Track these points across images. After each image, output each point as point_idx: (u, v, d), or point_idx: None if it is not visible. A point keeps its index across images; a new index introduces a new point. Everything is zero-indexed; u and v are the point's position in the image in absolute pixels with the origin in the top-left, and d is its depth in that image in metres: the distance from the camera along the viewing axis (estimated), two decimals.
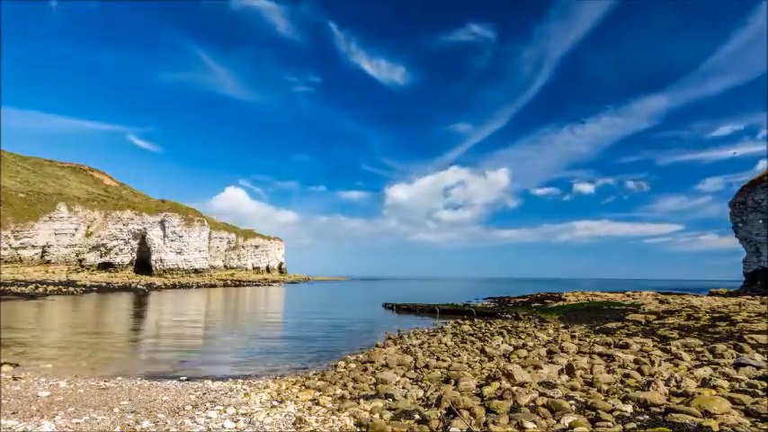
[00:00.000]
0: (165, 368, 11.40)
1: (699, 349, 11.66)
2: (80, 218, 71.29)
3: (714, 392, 6.87)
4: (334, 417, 6.75)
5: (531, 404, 6.69)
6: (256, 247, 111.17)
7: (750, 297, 33.88)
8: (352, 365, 11.52)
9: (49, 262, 65.01)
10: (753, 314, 19.55)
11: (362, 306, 39.50)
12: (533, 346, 13.55)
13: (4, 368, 10.22)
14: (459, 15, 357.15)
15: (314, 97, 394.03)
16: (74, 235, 69.40)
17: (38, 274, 60.77)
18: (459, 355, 12.54)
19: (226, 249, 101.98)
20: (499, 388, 7.61)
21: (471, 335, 17.37)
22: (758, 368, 8.53)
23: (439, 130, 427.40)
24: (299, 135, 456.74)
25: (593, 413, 6.17)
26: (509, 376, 8.07)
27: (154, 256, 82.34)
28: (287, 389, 8.87)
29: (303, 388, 8.94)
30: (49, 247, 65.10)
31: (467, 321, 23.20)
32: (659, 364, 9.77)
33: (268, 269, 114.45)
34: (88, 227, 73.30)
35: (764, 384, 7.28)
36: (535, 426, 5.77)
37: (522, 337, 16.41)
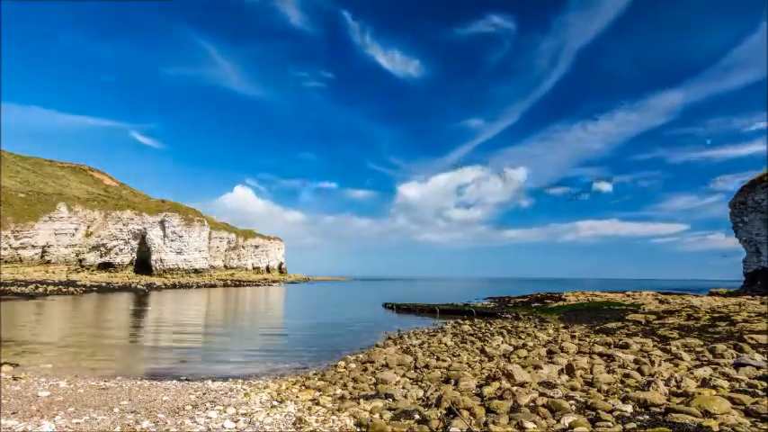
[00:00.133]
0: (165, 368, 11.41)
1: (699, 349, 11.66)
2: (80, 218, 71.30)
3: (714, 392, 6.86)
4: (334, 417, 6.75)
5: (531, 404, 6.69)
6: (256, 247, 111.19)
7: (750, 297, 33.88)
8: (353, 365, 11.52)
9: (49, 262, 65.01)
10: (753, 314, 19.54)
11: (363, 306, 39.49)
12: (533, 346, 13.55)
13: (4, 368, 10.22)
14: (481, 6, 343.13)
15: (324, 93, 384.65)
16: (74, 235, 69.41)
17: (38, 274, 60.76)
18: (459, 355, 12.54)
19: (226, 249, 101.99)
20: (499, 388, 7.61)
21: (471, 335, 17.37)
22: (758, 368, 8.53)
23: (450, 126, 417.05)
24: (306, 132, 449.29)
25: (593, 413, 6.17)
26: (509, 376, 8.07)
27: (154, 256, 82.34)
28: (287, 389, 8.87)
29: (303, 388, 8.94)
30: (49, 247, 65.11)
31: (467, 321, 23.20)
32: (659, 364, 9.77)
33: (268, 269, 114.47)
34: (88, 227, 73.30)
35: (764, 384, 7.28)
36: (535, 426, 5.77)
37: (522, 337, 16.41)
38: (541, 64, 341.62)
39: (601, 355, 11.22)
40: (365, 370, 10.82)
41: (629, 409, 6.35)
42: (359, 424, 6.35)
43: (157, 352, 14.16)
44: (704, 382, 7.59)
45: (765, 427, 5.35)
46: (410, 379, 9.59)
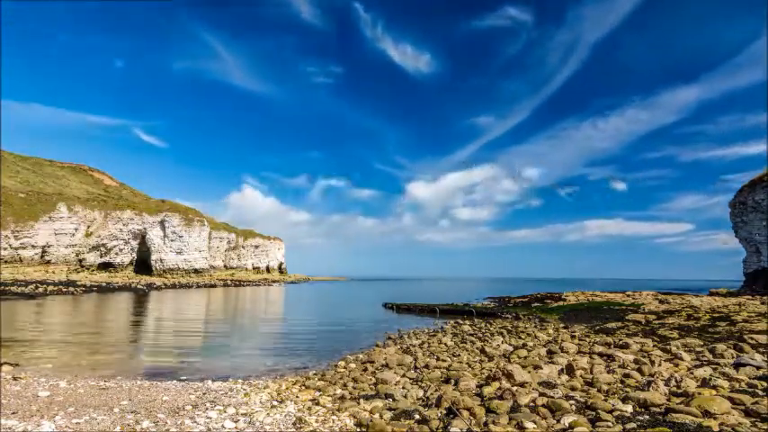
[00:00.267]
0: (165, 368, 11.40)
1: (699, 349, 11.65)
2: (80, 218, 71.30)
3: (714, 392, 6.87)
4: (334, 417, 6.75)
5: (531, 404, 6.69)
6: (256, 247, 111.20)
7: (750, 297, 33.87)
8: (353, 365, 11.52)
9: (49, 262, 65.02)
10: (753, 314, 19.54)
11: (363, 306, 39.48)
12: (533, 346, 13.55)
13: (4, 368, 10.22)
14: None
15: (332, 89, 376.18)
16: (74, 235, 69.41)
17: (38, 274, 60.77)
18: (459, 355, 12.53)
19: (226, 249, 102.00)
20: (499, 388, 7.61)
21: (471, 335, 17.36)
22: (758, 368, 8.53)
23: (459, 123, 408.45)
24: (312, 130, 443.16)
25: (593, 413, 6.17)
26: (509, 376, 8.07)
27: (154, 256, 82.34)
28: (287, 389, 8.87)
29: (303, 388, 8.94)
30: (49, 247, 65.11)
31: (467, 321, 23.20)
32: (659, 364, 9.76)
33: (268, 269, 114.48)
34: (88, 227, 73.30)
35: (764, 384, 7.28)
36: (535, 426, 5.77)
37: (522, 337, 16.41)
38: (554, 59, 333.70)
39: (601, 355, 11.22)
40: (365, 370, 10.82)
41: (629, 409, 6.35)
42: (359, 424, 6.35)
43: (157, 352, 14.16)
44: (704, 382, 7.59)
45: (765, 427, 5.35)
46: (410, 379, 9.59)
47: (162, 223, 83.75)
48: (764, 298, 31.39)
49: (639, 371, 9.11)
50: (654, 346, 12.54)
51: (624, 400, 6.79)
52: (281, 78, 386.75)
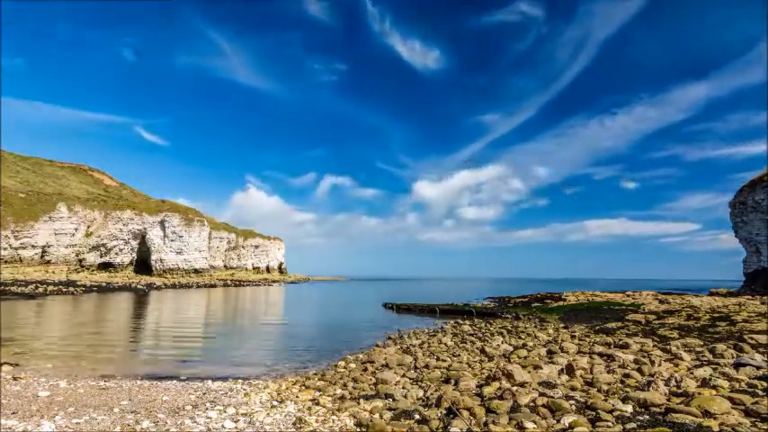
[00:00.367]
0: (165, 368, 11.39)
1: (699, 349, 11.65)
2: (80, 218, 71.30)
3: (714, 392, 6.86)
4: (334, 417, 6.75)
5: (531, 404, 6.69)
6: (256, 247, 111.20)
7: (750, 297, 33.87)
8: (353, 365, 11.52)
9: (49, 262, 65.01)
10: (753, 314, 19.54)
11: (363, 306, 39.49)
12: (533, 346, 13.55)
13: (4, 368, 10.22)
14: None
15: (337, 87, 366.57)
16: (74, 235, 69.41)
17: (38, 274, 60.76)
18: (459, 355, 12.53)
19: (226, 249, 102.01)
20: (499, 388, 7.61)
21: (471, 335, 17.36)
22: (758, 368, 8.53)
23: (464, 121, 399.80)
24: (316, 129, 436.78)
25: (593, 413, 6.17)
26: (509, 376, 8.07)
27: (154, 256, 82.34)
28: (287, 389, 8.87)
29: (303, 388, 8.94)
30: (48, 247, 65.10)
31: (467, 321, 23.20)
32: (659, 364, 9.76)
33: (268, 269, 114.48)
34: (88, 227, 73.30)
35: (764, 384, 7.28)
36: (535, 426, 5.77)
37: (522, 337, 16.41)
38: (563, 55, 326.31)
39: (601, 355, 11.22)
40: (365, 370, 10.82)
41: (629, 409, 6.35)
42: (359, 424, 6.34)
43: (157, 352, 14.15)
44: (704, 382, 7.59)
45: (765, 427, 5.35)
46: (410, 379, 9.59)
47: (162, 223, 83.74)
48: (764, 298, 31.39)
49: (639, 371, 9.11)
50: (654, 346, 12.54)
51: (624, 400, 6.79)
52: (285, 76, 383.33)
